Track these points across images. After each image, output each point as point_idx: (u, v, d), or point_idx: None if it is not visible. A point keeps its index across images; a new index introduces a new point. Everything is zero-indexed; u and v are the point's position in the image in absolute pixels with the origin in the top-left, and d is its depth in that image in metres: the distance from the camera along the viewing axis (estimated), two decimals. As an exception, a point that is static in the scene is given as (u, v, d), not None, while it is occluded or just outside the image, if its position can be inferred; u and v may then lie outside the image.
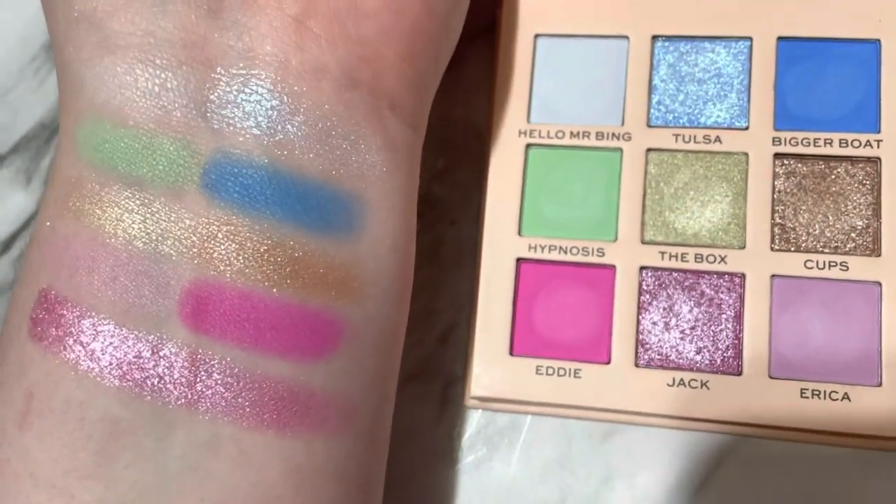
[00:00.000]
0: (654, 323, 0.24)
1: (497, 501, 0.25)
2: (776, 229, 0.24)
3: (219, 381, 0.18)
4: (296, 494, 0.18)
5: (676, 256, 0.24)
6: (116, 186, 0.18)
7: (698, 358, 0.24)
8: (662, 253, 0.24)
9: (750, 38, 0.25)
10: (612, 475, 0.25)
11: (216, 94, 0.19)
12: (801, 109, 0.24)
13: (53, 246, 0.19)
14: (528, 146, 0.26)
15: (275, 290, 0.18)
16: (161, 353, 0.18)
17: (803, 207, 0.24)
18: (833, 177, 0.24)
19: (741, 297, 0.24)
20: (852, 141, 0.24)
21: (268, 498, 0.18)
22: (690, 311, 0.24)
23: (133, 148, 0.18)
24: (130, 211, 0.18)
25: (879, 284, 0.23)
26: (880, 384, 0.23)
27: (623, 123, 0.25)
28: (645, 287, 0.24)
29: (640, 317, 0.24)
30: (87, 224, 0.18)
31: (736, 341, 0.24)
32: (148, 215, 0.18)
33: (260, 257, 0.18)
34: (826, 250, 0.24)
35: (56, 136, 0.30)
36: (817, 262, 0.23)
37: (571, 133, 0.25)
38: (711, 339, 0.24)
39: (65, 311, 0.18)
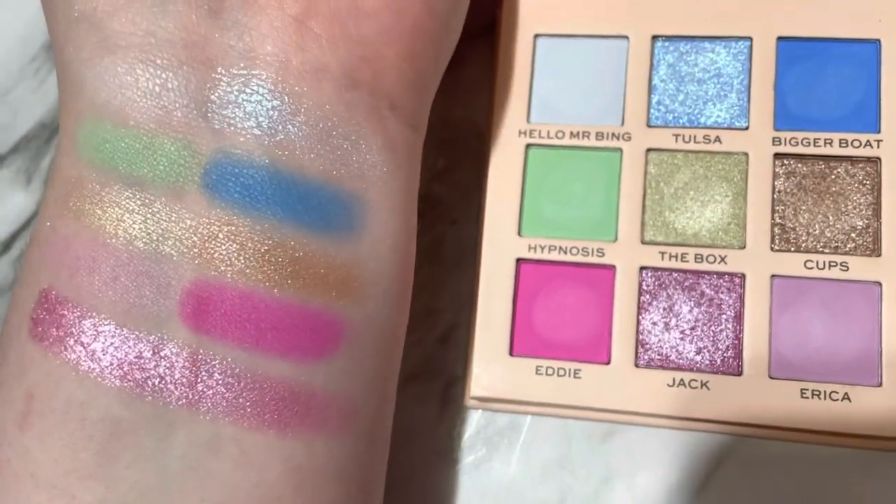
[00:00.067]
0: (654, 323, 0.24)
1: (497, 501, 0.25)
2: (776, 229, 0.24)
3: (220, 382, 0.18)
4: (296, 495, 0.18)
5: (676, 256, 0.24)
6: (117, 186, 0.18)
7: (698, 358, 0.24)
8: (662, 253, 0.24)
9: (750, 38, 0.25)
10: (612, 475, 0.25)
11: (217, 94, 0.19)
12: (801, 109, 0.24)
13: (54, 246, 0.19)
14: (528, 146, 0.26)
15: (276, 291, 0.18)
16: (162, 354, 0.18)
17: (803, 207, 0.24)
18: (833, 177, 0.24)
19: (741, 298, 0.24)
20: (852, 141, 0.24)
21: (269, 498, 0.18)
22: (690, 311, 0.24)
23: (134, 148, 0.18)
24: (131, 211, 0.18)
25: (879, 284, 0.23)
26: (880, 384, 0.23)
27: (623, 123, 0.25)
28: (645, 287, 0.24)
29: (640, 317, 0.24)
30: (88, 224, 0.18)
31: (736, 341, 0.24)
32: (149, 215, 0.18)
33: (261, 257, 0.18)
34: (826, 250, 0.24)
35: (56, 136, 0.30)
36: (817, 263, 0.23)
37: (571, 133, 0.25)
38: (711, 339, 0.24)
39: (65, 312, 0.18)
